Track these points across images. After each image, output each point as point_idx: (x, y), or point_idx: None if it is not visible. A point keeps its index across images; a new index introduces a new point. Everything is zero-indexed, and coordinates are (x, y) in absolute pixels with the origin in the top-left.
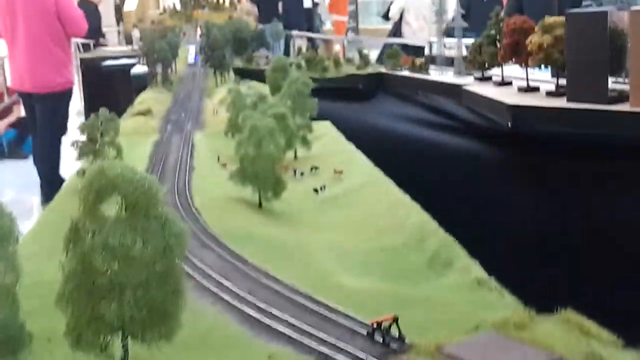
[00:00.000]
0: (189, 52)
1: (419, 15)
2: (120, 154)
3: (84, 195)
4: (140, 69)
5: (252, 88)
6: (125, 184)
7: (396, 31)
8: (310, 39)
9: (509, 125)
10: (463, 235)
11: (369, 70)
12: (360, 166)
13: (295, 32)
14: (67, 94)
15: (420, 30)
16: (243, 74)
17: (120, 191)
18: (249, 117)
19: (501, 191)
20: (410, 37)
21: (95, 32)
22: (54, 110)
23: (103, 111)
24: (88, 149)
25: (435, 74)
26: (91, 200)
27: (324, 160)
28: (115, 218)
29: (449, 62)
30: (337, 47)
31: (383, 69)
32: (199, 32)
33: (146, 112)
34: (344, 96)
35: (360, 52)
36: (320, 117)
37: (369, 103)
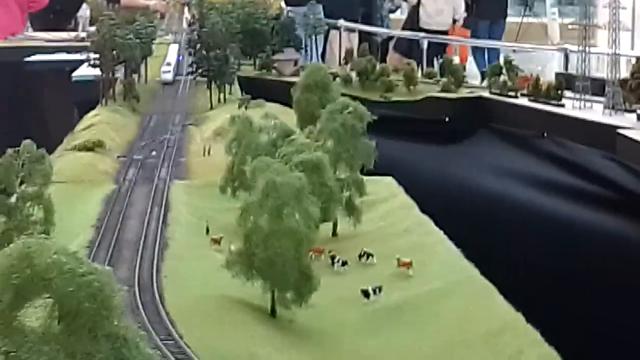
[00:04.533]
0: (169, 52)
1: None
2: (50, 217)
3: None
4: (87, 71)
5: (270, 117)
6: (63, 281)
7: (413, 17)
8: (366, 35)
9: None
10: None
11: (463, 92)
12: (441, 256)
13: (342, 23)
14: None
15: (437, 14)
16: (255, 88)
17: (53, 291)
18: (264, 168)
19: None
20: (428, 24)
21: None
22: None
23: (28, 145)
24: None
25: (574, 107)
26: (6, 303)
27: (382, 243)
28: (43, 332)
29: (597, 87)
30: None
31: (485, 93)
32: (186, 15)
33: (95, 146)
34: (420, 134)
35: (447, 63)
36: (380, 169)
37: (461, 147)
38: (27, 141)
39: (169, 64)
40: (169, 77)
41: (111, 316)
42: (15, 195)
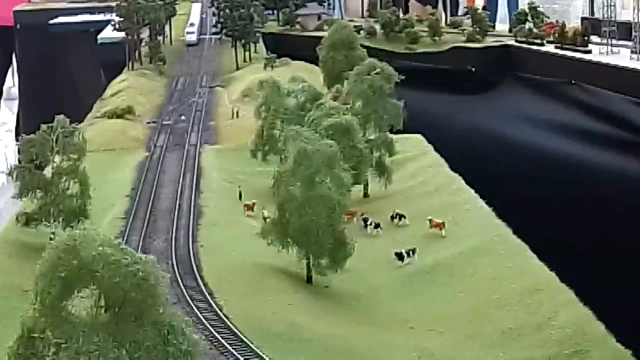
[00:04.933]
0: (191, 11)
1: None
2: (85, 191)
3: (45, 286)
4: (113, 33)
5: (297, 80)
6: (108, 272)
7: None
8: None
9: None
10: None
11: (488, 42)
12: (472, 215)
13: None
14: None
15: None
16: (280, 45)
17: (99, 282)
18: (295, 136)
19: None
20: None
21: None
22: None
23: (61, 121)
24: (32, 181)
25: (601, 53)
26: (55, 294)
27: (414, 203)
28: (91, 322)
29: (624, 31)
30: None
31: (511, 41)
32: None
33: (125, 112)
34: (447, 85)
35: (470, 10)
36: (408, 123)
37: (489, 97)
38: (61, 116)
39: (192, 24)
40: (193, 37)
41: (156, 304)
42: (50, 170)
